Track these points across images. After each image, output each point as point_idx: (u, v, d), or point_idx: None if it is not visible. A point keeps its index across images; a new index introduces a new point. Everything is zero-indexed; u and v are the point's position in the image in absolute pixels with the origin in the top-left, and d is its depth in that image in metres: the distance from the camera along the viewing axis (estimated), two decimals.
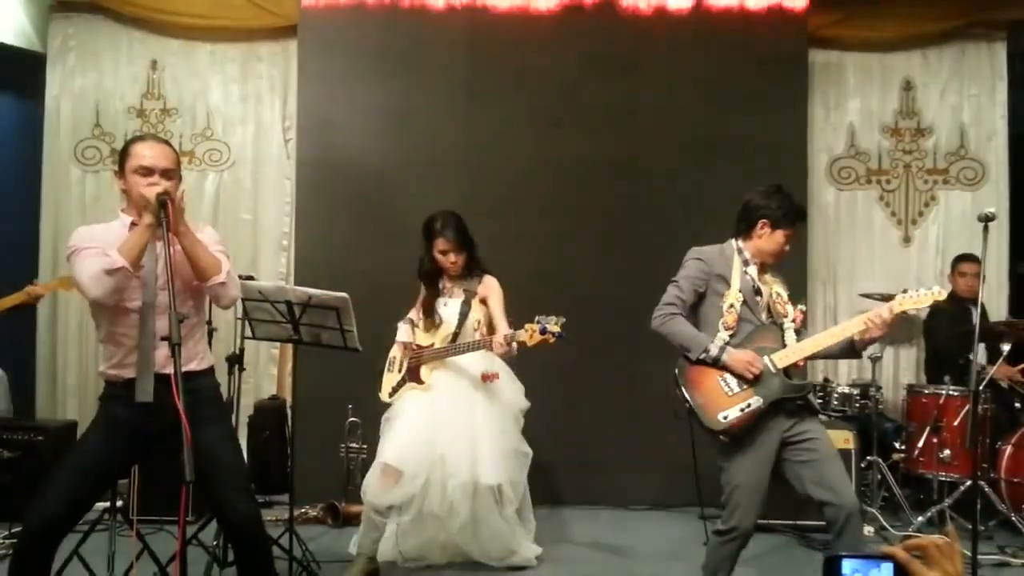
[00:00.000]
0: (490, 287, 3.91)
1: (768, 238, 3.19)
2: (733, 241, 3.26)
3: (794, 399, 3.10)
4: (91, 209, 5.71)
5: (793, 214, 3.22)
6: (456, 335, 3.85)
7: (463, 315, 3.86)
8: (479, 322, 3.88)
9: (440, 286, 3.95)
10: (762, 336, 3.15)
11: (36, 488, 4.22)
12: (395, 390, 3.94)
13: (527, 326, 3.52)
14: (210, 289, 2.74)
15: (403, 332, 4.01)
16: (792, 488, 3.12)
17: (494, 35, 5.39)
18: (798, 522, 4.48)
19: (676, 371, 3.17)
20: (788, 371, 3.12)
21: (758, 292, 3.19)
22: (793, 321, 3.21)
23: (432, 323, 3.91)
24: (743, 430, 3.04)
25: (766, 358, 3.09)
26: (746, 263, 3.21)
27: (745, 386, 3.06)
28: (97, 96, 5.79)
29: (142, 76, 5.81)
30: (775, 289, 3.24)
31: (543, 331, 3.44)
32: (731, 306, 3.14)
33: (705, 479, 3.98)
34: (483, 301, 3.89)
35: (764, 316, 3.19)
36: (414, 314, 4.02)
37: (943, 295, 3.20)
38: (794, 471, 3.08)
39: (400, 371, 3.95)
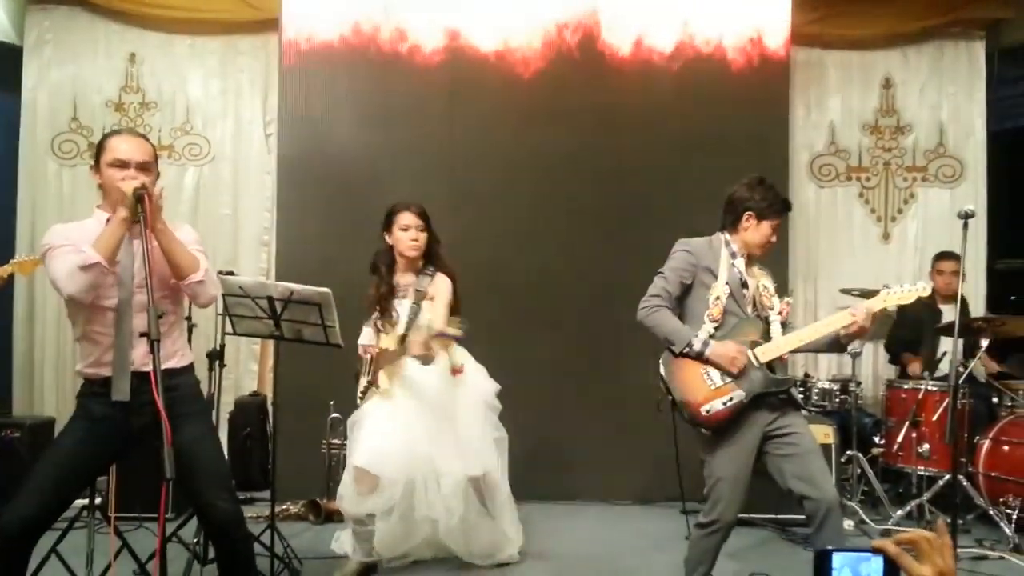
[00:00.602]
0: (439, 286, 3.72)
1: (754, 230, 3.20)
2: (721, 234, 3.27)
3: (776, 393, 3.11)
4: (68, 203, 5.66)
5: (778, 205, 3.23)
6: (404, 337, 3.66)
7: (413, 315, 3.69)
8: (429, 320, 3.65)
9: (394, 283, 3.77)
10: (746, 330, 3.16)
11: (13, 486, 4.18)
12: (363, 393, 3.81)
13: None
14: (188, 287, 2.71)
15: (364, 335, 3.86)
16: (773, 481, 3.13)
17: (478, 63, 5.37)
18: (779, 516, 4.50)
19: (660, 363, 3.17)
20: (771, 365, 3.13)
21: (745, 285, 3.20)
22: (779, 314, 3.22)
23: (390, 323, 3.74)
24: (725, 423, 3.06)
25: (749, 352, 3.10)
26: (734, 256, 3.21)
27: (728, 379, 3.07)
28: (75, 89, 5.73)
29: (120, 69, 5.75)
30: (762, 282, 3.25)
31: (440, 334, 3.38)
32: (717, 298, 3.15)
33: (687, 474, 4.00)
34: (432, 299, 3.71)
35: (750, 309, 3.20)
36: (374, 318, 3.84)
37: (927, 291, 3.24)
38: (775, 464, 3.09)
39: (369, 374, 3.82)
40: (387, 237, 3.79)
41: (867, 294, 5.29)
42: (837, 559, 1.14)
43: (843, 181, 6.01)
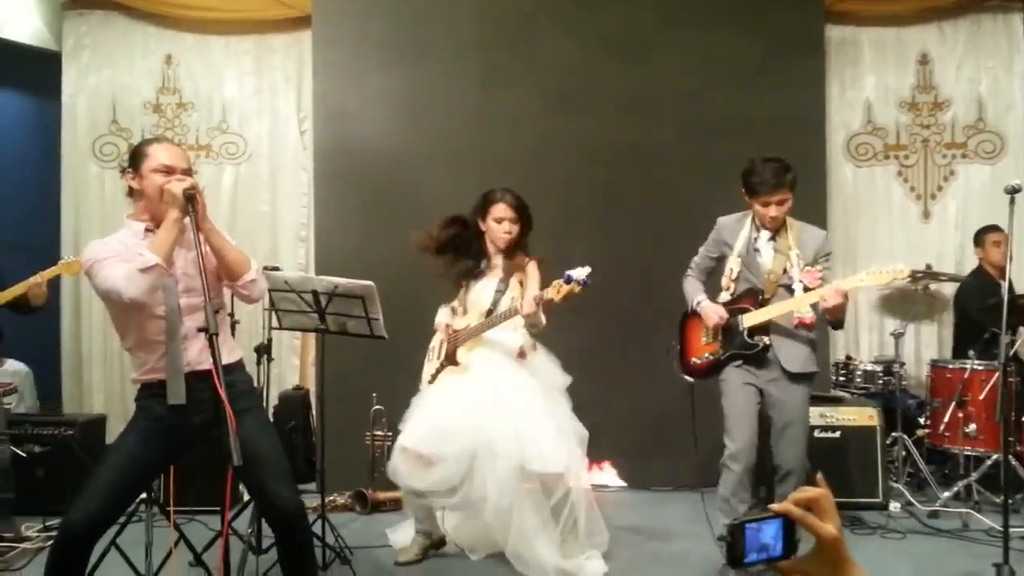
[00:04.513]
0: (531, 272, 3.77)
1: (755, 206, 3.51)
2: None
3: (749, 355, 3.54)
4: (110, 205, 5.77)
5: (763, 186, 3.43)
6: (490, 312, 3.73)
7: (499, 293, 3.75)
8: (513, 300, 3.72)
9: (482, 265, 3.82)
10: (745, 298, 3.56)
11: (67, 482, 4.28)
12: (434, 377, 3.85)
13: (553, 283, 3.38)
14: (243, 287, 2.75)
15: (442, 314, 3.92)
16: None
17: (506, 17, 5.38)
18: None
19: (681, 316, 3.79)
20: (753, 330, 3.50)
21: (759, 255, 3.54)
22: (801, 282, 3.45)
23: (468, 304, 3.81)
24: (705, 374, 3.67)
25: (740, 317, 3.53)
26: (757, 229, 3.56)
27: (720, 339, 3.61)
28: (113, 92, 5.83)
29: (157, 71, 5.84)
30: (791, 252, 3.48)
31: (568, 280, 3.28)
32: (730, 268, 3.59)
33: (705, 460, 3.99)
34: (521, 282, 3.76)
35: (770, 277, 3.50)
36: (455, 301, 3.91)
37: (904, 273, 3.35)
38: (767, 416, 3.59)
39: (439, 358, 3.86)
40: (480, 222, 3.82)
41: (910, 274, 5.25)
42: (751, 529, 1.11)
43: (881, 160, 5.92)
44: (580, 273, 3.27)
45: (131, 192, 2.76)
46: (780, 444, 3.53)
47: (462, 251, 3.84)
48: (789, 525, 1.13)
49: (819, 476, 1.20)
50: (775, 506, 1.13)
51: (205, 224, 2.62)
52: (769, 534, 1.12)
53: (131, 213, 2.80)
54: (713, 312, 3.57)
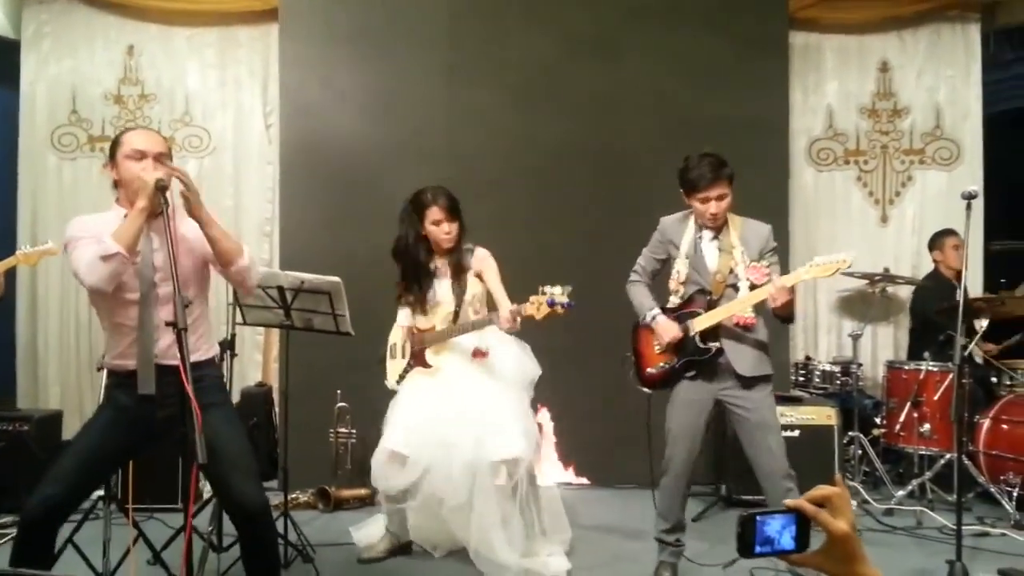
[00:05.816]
0: (484, 260, 3.74)
1: (694, 204, 3.40)
2: None
3: (703, 361, 3.42)
4: (69, 196, 5.67)
5: (703, 179, 3.33)
6: (457, 314, 3.72)
7: (460, 292, 3.72)
8: (474, 297, 3.74)
9: (431, 266, 3.78)
10: (694, 301, 3.47)
11: (22, 479, 4.20)
12: (403, 376, 3.83)
13: (533, 298, 3.34)
14: (236, 273, 2.72)
15: (403, 316, 3.87)
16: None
17: (475, 13, 5.39)
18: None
19: (632, 326, 3.62)
20: (706, 334, 3.39)
21: (702, 255, 3.43)
22: (748, 279, 3.37)
23: (428, 305, 3.77)
24: (660, 384, 3.54)
25: (690, 322, 3.41)
26: (700, 228, 3.45)
27: (672, 347, 3.47)
28: (73, 82, 5.72)
29: (119, 62, 5.74)
30: (734, 251, 3.39)
31: (551, 303, 3.27)
32: (677, 271, 3.48)
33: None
34: (479, 275, 3.74)
35: (717, 277, 3.40)
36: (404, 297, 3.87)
37: (847, 264, 3.28)
38: (736, 431, 3.50)
39: (404, 356, 3.85)
40: (419, 228, 3.74)
41: (867, 277, 5.37)
42: (761, 522, 1.15)
43: (841, 165, 6.03)
44: (563, 297, 3.30)
45: (115, 184, 2.75)
46: (759, 456, 3.37)
47: (416, 271, 3.79)
48: (803, 521, 1.16)
49: (837, 476, 1.23)
50: (789, 502, 1.17)
51: (201, 212, 2.60)
52: (775, 528, 1.16)
53: (118, 198, 2.78)
54: (668, 330, 3.42)
